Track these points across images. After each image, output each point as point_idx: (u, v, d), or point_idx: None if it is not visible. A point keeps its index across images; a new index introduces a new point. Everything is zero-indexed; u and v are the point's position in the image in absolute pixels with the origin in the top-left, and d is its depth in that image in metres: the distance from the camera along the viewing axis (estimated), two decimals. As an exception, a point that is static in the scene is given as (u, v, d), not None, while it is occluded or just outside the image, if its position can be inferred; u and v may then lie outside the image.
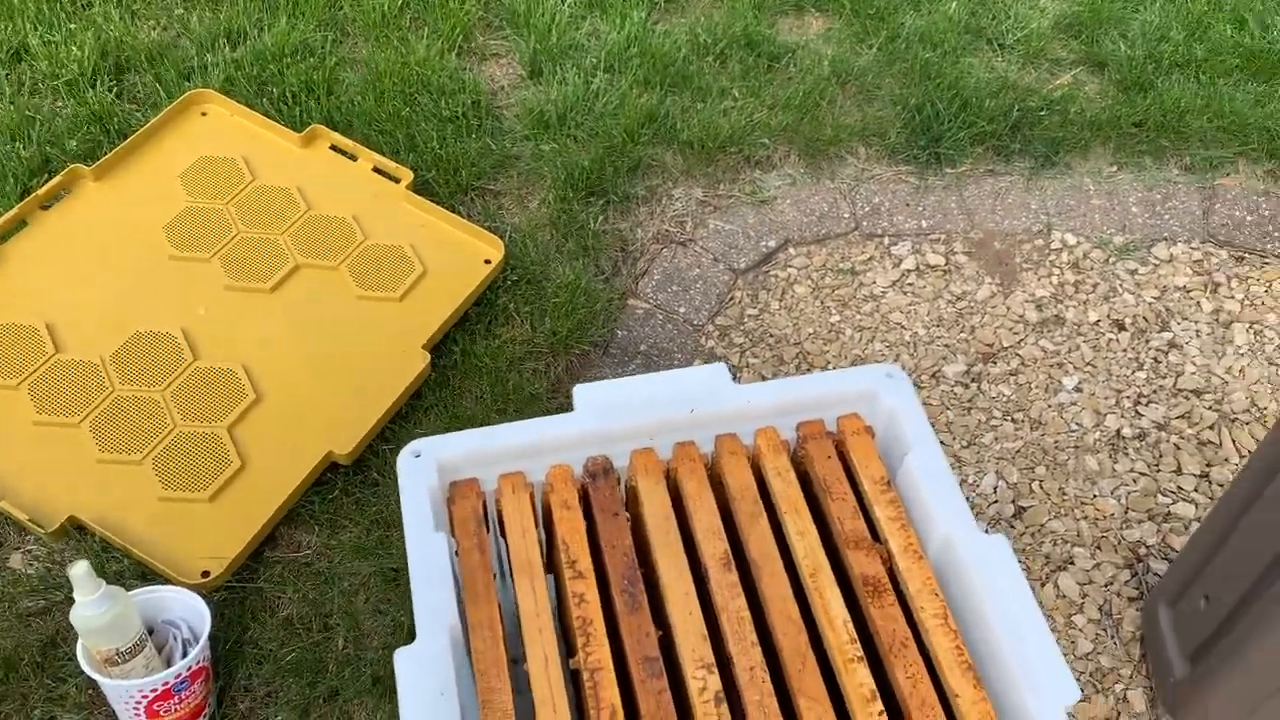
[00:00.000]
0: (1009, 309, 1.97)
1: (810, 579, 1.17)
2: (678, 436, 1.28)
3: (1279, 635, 1.19)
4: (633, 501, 1.26)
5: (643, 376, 1.29)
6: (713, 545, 1.20)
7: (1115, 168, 2.16)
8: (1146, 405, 1.83)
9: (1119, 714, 1.48)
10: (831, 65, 2.23)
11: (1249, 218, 2.10)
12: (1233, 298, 1.99)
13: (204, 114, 2.05)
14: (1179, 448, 1.77)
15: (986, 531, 1.20)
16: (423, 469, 1.19)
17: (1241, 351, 1.91)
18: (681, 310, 1.93)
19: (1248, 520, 1.22)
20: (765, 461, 1.27)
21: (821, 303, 1.97)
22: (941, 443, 1.77)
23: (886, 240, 2.07)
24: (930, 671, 1.11)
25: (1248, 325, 1.94)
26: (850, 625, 1.14)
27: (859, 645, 1.12)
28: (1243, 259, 2.04)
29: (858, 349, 1.91)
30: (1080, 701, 1.49)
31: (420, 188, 1.96)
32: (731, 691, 1.11)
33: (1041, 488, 1.71)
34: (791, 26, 2.36)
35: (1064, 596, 1.59)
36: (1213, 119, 2.17)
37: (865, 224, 2.09)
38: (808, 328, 1.93)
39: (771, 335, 1.92)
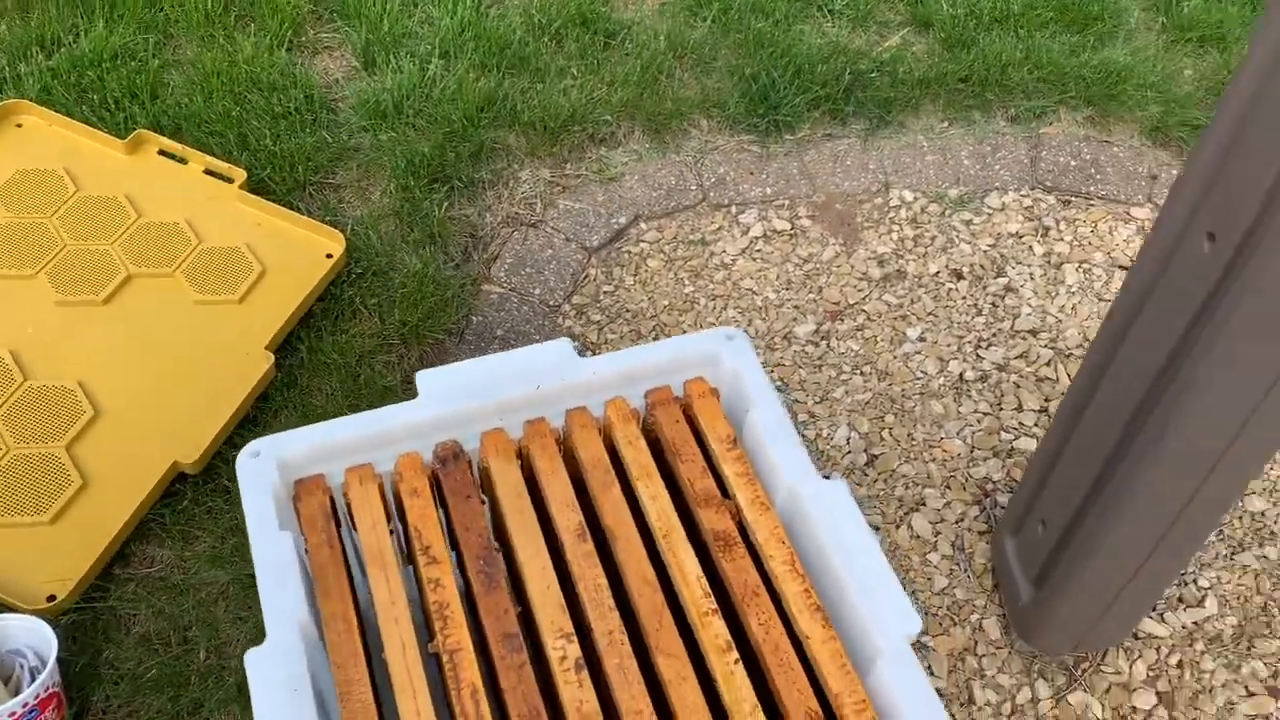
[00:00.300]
0: (853, 267, 2.02)
1: (664, 540, 1.20)
2: (528, 414, 1.29)
3: (1105, 554, 1.26)
4: (487, 482, 1.26)
5: (486, 357, 1.28)
6: (567, 518, 1.21)
7: (946, 123, 2.24)
8: (987, 348, 1.90)
9: (976, 643, 1.55)
10: (667, 39, 2.26)
11: (1072, 163, 2.20)
12: (1062, 240, 2.09)
13: (19, 125, 1.96)
14: (1019, 386, 1.85)
15: (828, 478, 1.24)
16: (262, 468, 1.17)
17: (1073, 290, 2.00)
18: (536, 292, 1.93)
19: (1070, 446, 1.29)
20: (616, 431, 1.29)
21: (675, 274, 1.99)
22: (795, 400, 1.82)
23: (734, 209, 2.10)
24: (782, 616, 1.15)
25: (1077, 265, 2.04)
26: (704, 580, 1.16)
27: (713, 599, 1.15)
28: (1069, 202, 2.15)
29: (712, 317, 1.94)
30: (939, 635, 1.56)
31: (256, 187, 1.91)
32: (593, 657, 1.12)
33: (891, 435, 1.77)
34: (626, 2, 2.37)
35: (918, 536, 1.65)
36: (1033, 70, 2.27)
37: (712, 194, 2.12)
38: (663, 300, 1.95)
39: (628, 310, 1.93)
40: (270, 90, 2.07)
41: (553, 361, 1.29)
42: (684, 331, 1.91)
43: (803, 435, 1.78)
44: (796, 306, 1.96)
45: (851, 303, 1.97)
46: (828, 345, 1.91)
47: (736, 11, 2.33)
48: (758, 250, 2.04)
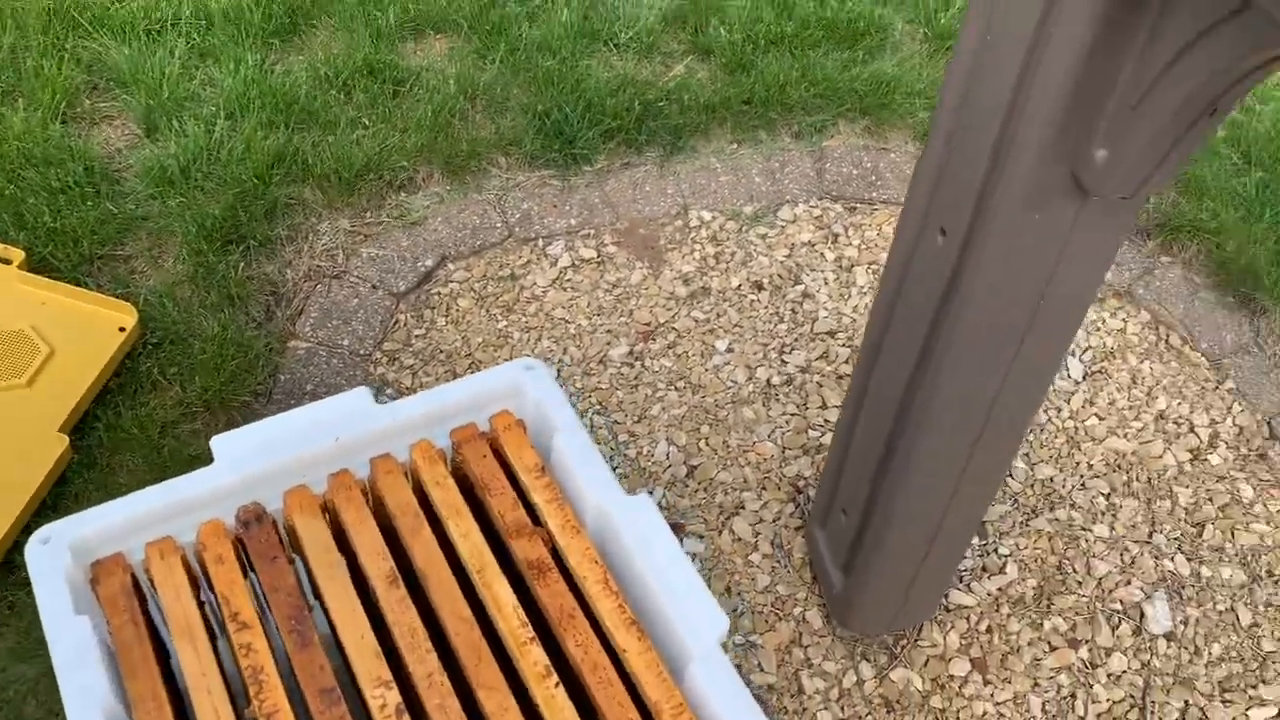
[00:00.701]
0: (660, 288, 2.09)
1: (478, 575, 1.21)
2: (330, 468, 1.28)
3: (899, 534, 1.35)
4: (294, 540, 1.25)
5: (280, 415, 1.28)
6: (378, 565, 1.21)
7: (735, 144, 2.34)
8: (790, 353, 1.99)
9: (801, 634, 1.61)
10: (457, 83, 2.28)
11: (855, 171, 2.33)
12: (850, 244, 2.20)
13: None
14: (821, 385, 1.95)
15: (651, 493, 1.28)
16: (54, 554, 1.13)
17: (864, 291, 2.12)
18: (345, 343, 1.92)
19: (856, 436, 1.37)
20: (423, 473, 1.30)
21: (487, 311, 2.02)
22: (615, 421, 1.87)
23: (540, 242, 2.14)
24: (600, 634, 1.18)
25: (866, 266, 2.16)
26: (520, 610, 1.18)
27: (530, 627, 1.17)
28: (855, 209, 2.27)
29: (527, 349, 1.97)
30: (767, 632, 1.62)
31: (38, 265, 1.84)
32: (415, 701, 1.13)
33: (708, 444, 1.84)
34: (414, 50, 2.39)
35: (740, 539, 1.71)
36: (810, 88, 2.40)
37: (518, 230, 2.15)
38: (476, 338, 1.97)
39: (442, 351, 1.94)
40: (46, 165, 2.00)
41: (351, 411, 1.30)
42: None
43: (624, 454, 1.82)
44: (609, 330, 2.01)
45: (661, 322, 2.03)
46: (642, 365, 1.96)
47: (524, 52, 2.38)
48: (567, 280, 2.09)
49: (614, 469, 1.80)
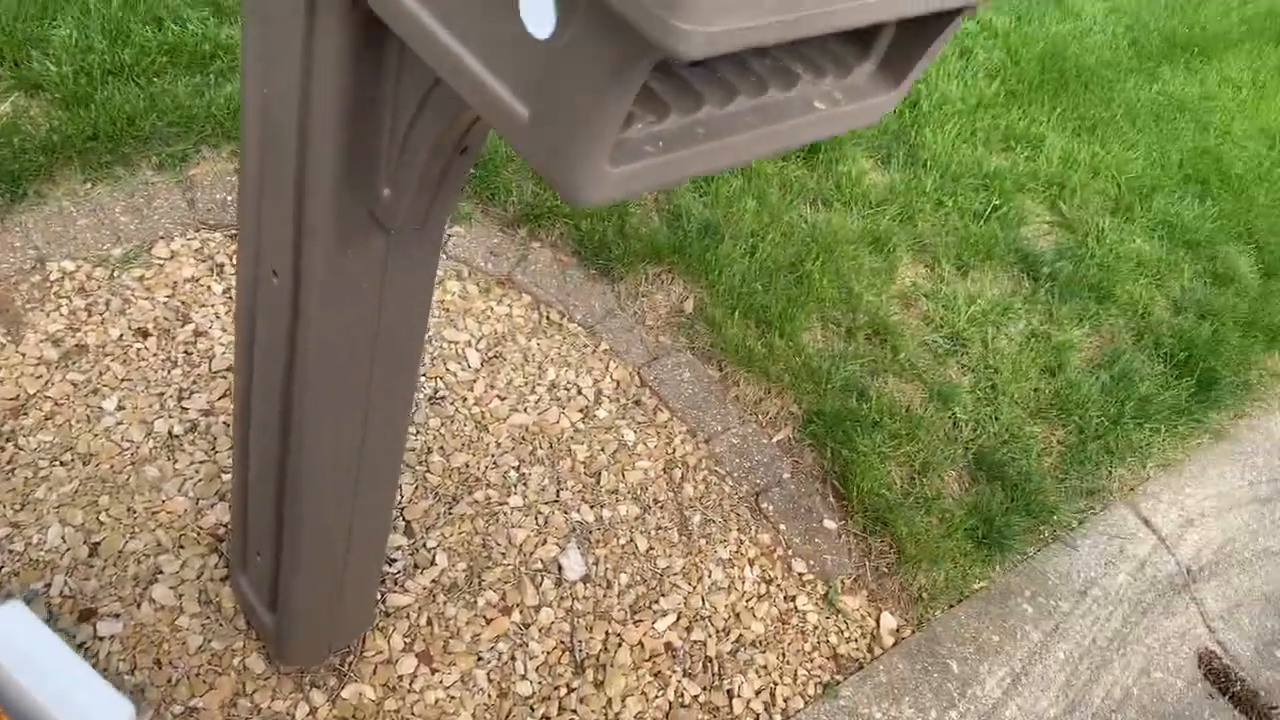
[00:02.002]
0: (25, 355, 1.89)
1: None
2: None
3: (309, 562, 1.37)
4: None
5: None
6: None
7: (89, 184, 2.17)
8: (190, 398, 1.91)
9: (245, 683, 1.58)
10: None
11: (229, 198, 2.28)
12: (238, 273, 2.16)
13: None
14: (229, 425, 1.90)
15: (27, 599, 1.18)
16: None
17: (259, 318, 2.09)
18: None
19: (251, 476, 1.37)
20: None
21: None
22: (-8, 517, 1.66)
23: None
24: (-12, 767, 1.07)
25: (257, 294, 2.13)
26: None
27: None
28: (236, 236, 2.22)
29: None
30: (207, 693, 1.56)
31: None
32: None
33: (109, 515, 1.71)
34: None
35: (162, 607, 1.63)
36: (162, 116, 2.29)
37: None
38: None
39: None
40: None
41: None
42: None
43: (9, 550, 1.64)
44: (-31, 415, 1.78)
45: (32, 393, 1.84)
46: (15, 446, 1.76)
47: None
48: (-97, 367, 1.81)
49: (-1, 569, 1.61)
